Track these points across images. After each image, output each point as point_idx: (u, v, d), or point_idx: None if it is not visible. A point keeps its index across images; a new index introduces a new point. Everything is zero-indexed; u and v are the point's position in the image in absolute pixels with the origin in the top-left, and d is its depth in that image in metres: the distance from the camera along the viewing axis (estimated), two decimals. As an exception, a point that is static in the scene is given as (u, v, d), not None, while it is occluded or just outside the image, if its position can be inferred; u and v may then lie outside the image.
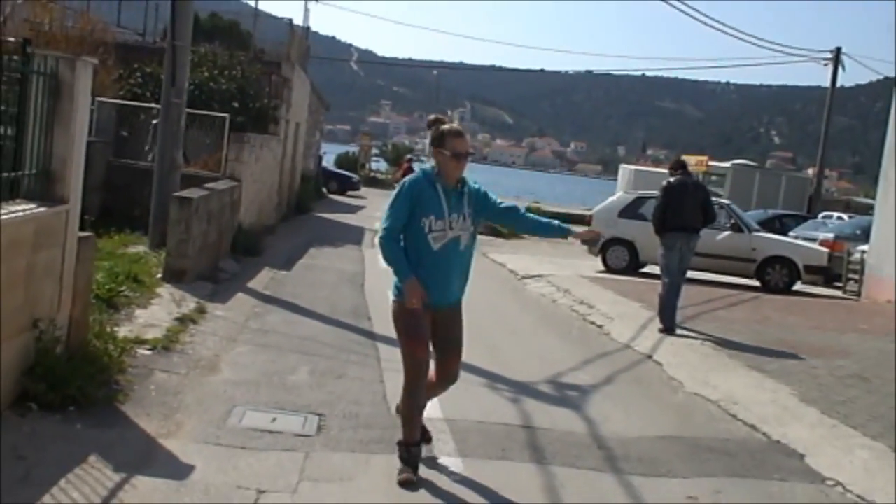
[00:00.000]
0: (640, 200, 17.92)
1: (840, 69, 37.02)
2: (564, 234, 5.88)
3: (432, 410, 7.08)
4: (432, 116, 5.60)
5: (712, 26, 36.01)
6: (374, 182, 47.63)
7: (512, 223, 6.02)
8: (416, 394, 5.49)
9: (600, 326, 11.84)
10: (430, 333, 5.47)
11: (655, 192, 12.34)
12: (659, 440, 6.94)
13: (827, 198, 59.42)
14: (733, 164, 38.63)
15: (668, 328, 11.29)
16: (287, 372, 7.88)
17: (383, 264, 17.83)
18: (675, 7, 22.66)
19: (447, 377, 5.68)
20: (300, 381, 7.65)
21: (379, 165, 57.12)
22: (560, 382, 8.59)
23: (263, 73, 20.79)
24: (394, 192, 5.50)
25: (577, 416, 7.48)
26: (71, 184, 6.54)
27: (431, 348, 5.54)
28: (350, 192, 38.17)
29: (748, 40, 36.69)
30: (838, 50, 37.34)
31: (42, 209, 6.07)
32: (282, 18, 26.13)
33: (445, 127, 5.50)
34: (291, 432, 6.20)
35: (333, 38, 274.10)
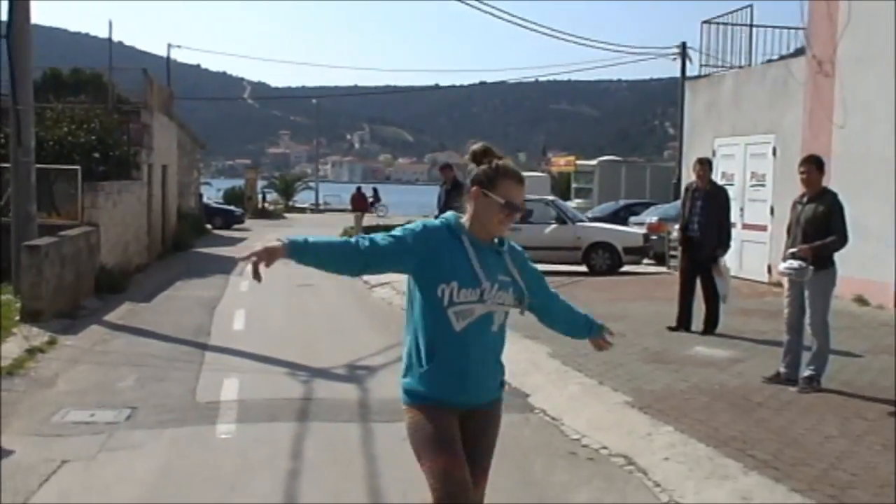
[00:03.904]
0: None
1: (688, 62, 39.93)
2: (594, 332, 4.20)
3: (229, 392, 8.73)
4: (479, 145, 3.79)
5: (566, 39, 38.36)
6: (264, 214, 48.94)
7: (549, 316, 4.19)
8: None
9: (419, 319, 13.48)
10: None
11: None
12: (416, 397, 8.61)
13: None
14: (599, 161, 41.15)
15: None
16: (116, 381, 9.36)
17: (243, 287, 19.56)
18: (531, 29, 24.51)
19: None
20: (126, 386, 9.13)
21: (273, 196, 58.37)
22: (356, 365, 10.23)
23: (122, 122, 22.05)
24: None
25: (357, 387, 9.15)
26: None
27: None
28: (235, 226, 39.31)
29: (604, 47, 38.81)
30: (683, 45, 40.18)
31: None
32: (142, 67, 27.11)
33: (503, 163, 3.74)
34: (104, 422, 7.71)
35: (224, 73, 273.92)
